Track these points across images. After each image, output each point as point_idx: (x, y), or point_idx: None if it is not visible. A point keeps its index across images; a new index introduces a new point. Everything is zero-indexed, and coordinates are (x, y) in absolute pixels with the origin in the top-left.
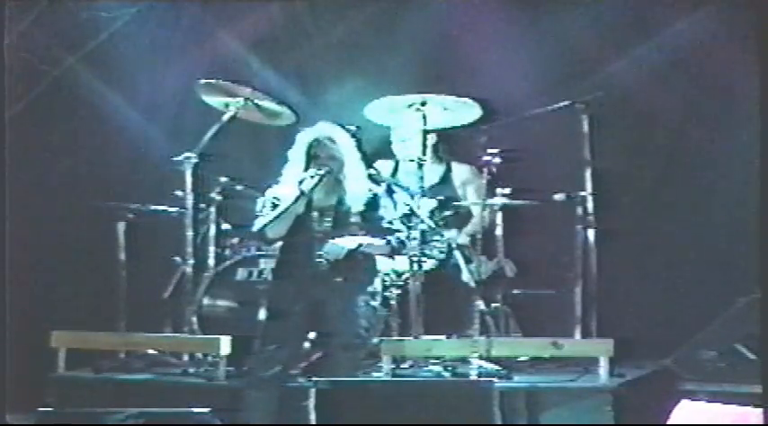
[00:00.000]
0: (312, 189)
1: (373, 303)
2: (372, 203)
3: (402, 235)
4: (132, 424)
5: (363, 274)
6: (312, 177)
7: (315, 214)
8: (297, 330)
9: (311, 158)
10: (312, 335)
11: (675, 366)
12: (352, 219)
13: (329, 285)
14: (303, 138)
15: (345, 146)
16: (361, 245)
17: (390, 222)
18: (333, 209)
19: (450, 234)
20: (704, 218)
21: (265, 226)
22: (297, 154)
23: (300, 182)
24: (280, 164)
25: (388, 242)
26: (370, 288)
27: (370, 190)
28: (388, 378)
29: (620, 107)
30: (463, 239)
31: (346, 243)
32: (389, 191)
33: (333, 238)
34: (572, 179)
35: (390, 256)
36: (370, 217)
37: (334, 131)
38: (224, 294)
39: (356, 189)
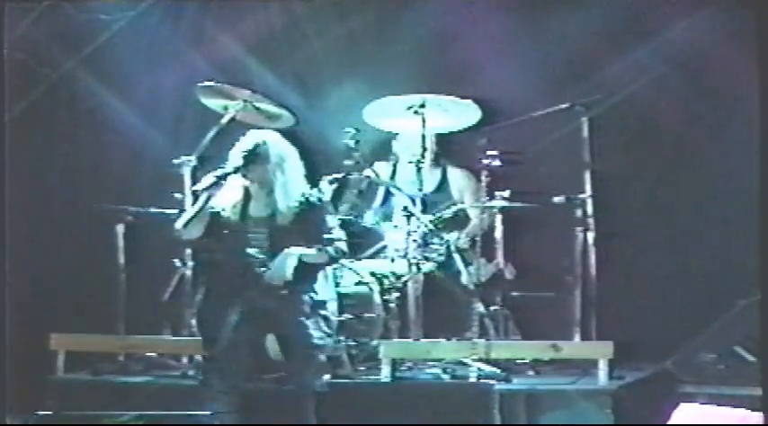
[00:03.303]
0: (205, 189)
1: (323, 312)
2: (305, 216)
3: (342, 244)
4: None
5: (309, 283)
6: (209, 178)
7: (250, 225)
8: (245, 342)
9: (246, 160)
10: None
11: (675, 368)
12: (288, 230)
13: (275, 296)
14: (240, 144)
15: (278, 154)
16: (300, 260)
17: (330, 230)
18: (267, 221)
19: (451, 236)
20: (704, 221)
21: (185, 226)
22: (234, 158)
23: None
24: None
25: (326, 251)
26: (319, 298)
27: (306, 199)
28: (388, 381)
29: (620, 109)
30: (464, 241)
31: (288, 264)
32: (388, 194)
33: (271, 254)
34: (571, 181)
35: (329, 265)
36: (307, 228)
37: (273, 138)
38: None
39: (285, 202)
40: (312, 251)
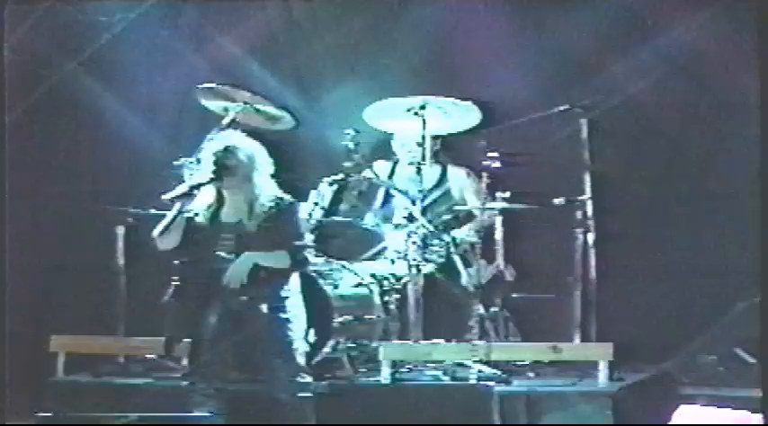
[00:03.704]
0: (176, 198)
1: (283, 315)
2: (274, 220)
3: (307, 252)
4: None
5: (269, 290)
6: (182, 188)
7: (220, 229)
8: (225, 344)
9: (218, 168)
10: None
11: (675, 370)
12: (255, 235)
13: (237, 303)
14: (210, 146)
15: (248, 158)
16: (257, 265)
17: (300, 236)
18: (236, 226)
19: (457, 232)
20: (704, 222)
21: (161, 234)
22: (204, 162)
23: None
24: (278, 168)
25: (289, 257)
26: (279, 303)
27: (277, 204)
28: (388, 383)
29: (620, 111)
30: (470, 235)
31: (245, 265)
32: (388, 195)
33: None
34: (571, 183)
35: (293, 270)
36: (275, 233)
37: (240, 142)
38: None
39: (255, 206)
40: (272, 255)
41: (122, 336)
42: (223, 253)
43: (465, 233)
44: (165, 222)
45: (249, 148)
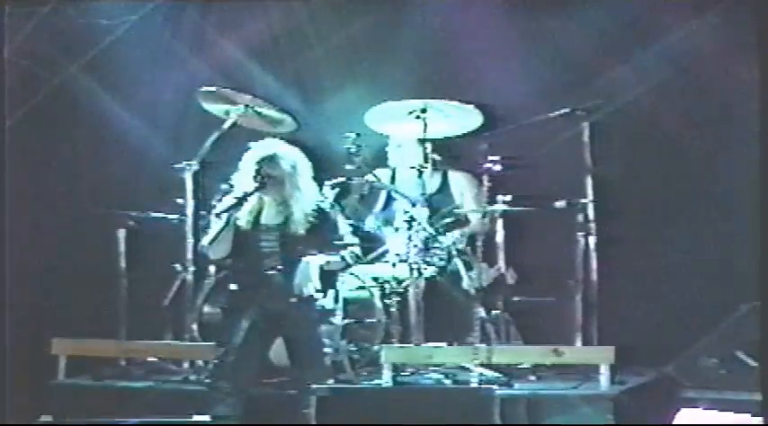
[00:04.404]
0: (225, 211)
1: (333, 319)
2: (318, 225)
3: (357, 250)
4: None
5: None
6: (231, 199)
7: (262, 232)
8: (255, 346)
9: (258, 175)
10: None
11: (676, 373)
12: (298, 236)
13: (285, 304)
14: (252, 155)
15: (291, 167)
16: (323, 269)
17: (342, 237)
18: (279, 228)
19: (449, 236)
20: (705, 225)
21: (210, 243)
22: (245, 169)
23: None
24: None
25: (342, 257)
26: (327, 306)
27: (319, 207)
28: (389, 386)
29: (622, 114)
30: (459, 240)
31: (312, 273)
32: (389, 198)
33: (282, 258)
34: (573, 186)
35: (344, 270)
36: (317, 235)
37: (282, 150)
38: (224, 301)
39: (300, 211)
40: (331, 258)
41: (123, 339)
42: (270, 259)
43: (454, 238)
44: (213, 232)
45: (291, 157)
